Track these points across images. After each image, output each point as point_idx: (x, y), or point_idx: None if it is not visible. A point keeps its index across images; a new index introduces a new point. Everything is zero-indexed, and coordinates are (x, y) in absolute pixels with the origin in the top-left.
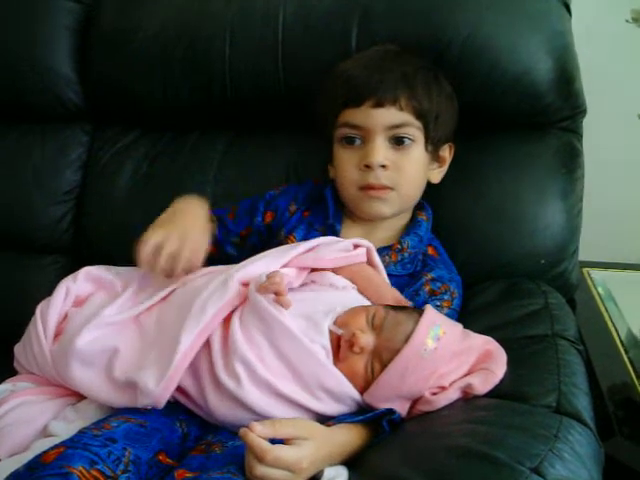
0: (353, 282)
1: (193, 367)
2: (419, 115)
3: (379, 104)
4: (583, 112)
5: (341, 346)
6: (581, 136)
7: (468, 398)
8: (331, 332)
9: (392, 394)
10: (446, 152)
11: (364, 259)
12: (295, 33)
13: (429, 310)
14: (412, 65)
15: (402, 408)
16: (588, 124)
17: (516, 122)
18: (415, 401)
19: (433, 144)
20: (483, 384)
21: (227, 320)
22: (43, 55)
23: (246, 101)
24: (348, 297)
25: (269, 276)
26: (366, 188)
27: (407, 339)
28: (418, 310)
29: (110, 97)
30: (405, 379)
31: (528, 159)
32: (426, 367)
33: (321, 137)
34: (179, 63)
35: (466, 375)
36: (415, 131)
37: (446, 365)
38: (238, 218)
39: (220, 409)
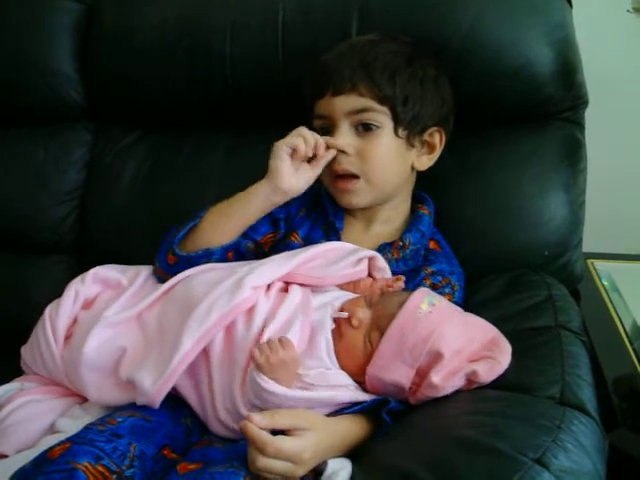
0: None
1: (194, 379)
2: (382, 100)
3: (338, 92)
4: (585, 103)
5: (341, 324)
6: (583, 127)
7: (472, 389)
8: (335, 320)
9: (394, 359)
10: (435, 138)
11: (365, 274)
12: (295, 27)
13: (424, 288)
14: (379, 51)
15: (407, 377)
16: (590, 115)
17: (518, 114)
18: (420, 384)
19: (407, 128)
20: (488, 373)
21: (229, 328)
22: (45, 56)
23: (247, 97)
24: (342, 293)
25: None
26: (336, 179)
27: (402, 305)
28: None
29: (112, 96)
30: (404, 341)
31: (531, 151)
32: (423, 328)
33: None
34: (180, 61)
35: (471, 361)
36: (381, 116)
37: (443, 328)
38: (255, 224)
39: (214, 427)
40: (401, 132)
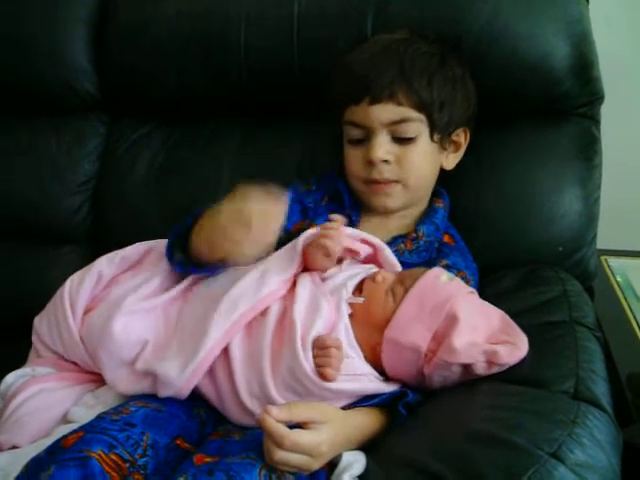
0: None
1: (211, 374)
2: (420, 107)
3: (376, 100)
4: (601, 99)
5: (364, 283)
6: (599, 123)
7: (489, 375)
8: (351, 304)
9: (414, 320)
10: (461, 137)
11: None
12: (310, 19)
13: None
14: (414, 54)
15: (424, 339)
16: (605, 110)
17: (534, 109)
18: (436, 351)
19: (441, 132)
20: (509, 355)
21: (249, 325)
22: (60, 47)
23: (261, 89)
24: (355, 271)
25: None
26: (371, 183)
27: (424, 272)
28: None
29: (126, 88)
30: (424, 302)
31: (546, 146)
32: (442, 292)
33: (334, 126)
34: (194, 53)
35: (491, 343)
36: (418, 124)
37: (461, 297)
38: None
39: (235, 416)
40: (436, 137)
